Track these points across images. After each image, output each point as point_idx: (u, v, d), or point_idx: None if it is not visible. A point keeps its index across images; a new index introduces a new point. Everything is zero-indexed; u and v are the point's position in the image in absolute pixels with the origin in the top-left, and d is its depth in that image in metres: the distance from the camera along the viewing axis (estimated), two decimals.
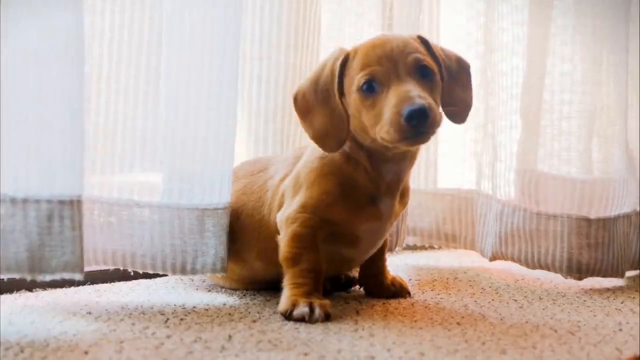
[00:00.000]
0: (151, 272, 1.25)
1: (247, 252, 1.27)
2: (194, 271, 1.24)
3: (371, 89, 1.12)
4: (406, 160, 1.20)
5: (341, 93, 1.16)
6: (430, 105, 1.07)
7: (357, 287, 1.37)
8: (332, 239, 1.20)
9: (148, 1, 1.24)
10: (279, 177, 1.25)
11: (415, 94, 1.07)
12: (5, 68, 1.03)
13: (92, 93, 1.24)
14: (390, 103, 1.08)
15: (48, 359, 0.91)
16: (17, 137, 1.04)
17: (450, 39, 1.73)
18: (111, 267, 1.25)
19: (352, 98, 1.14)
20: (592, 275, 1.49)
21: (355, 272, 1.38)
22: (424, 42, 1.19)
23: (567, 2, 1.54)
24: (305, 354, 0.95)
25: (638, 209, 1.60)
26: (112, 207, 1.22)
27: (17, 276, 1.06)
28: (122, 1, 1.24)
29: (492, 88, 1.60)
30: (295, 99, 1.20)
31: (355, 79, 1.13)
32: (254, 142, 1.47)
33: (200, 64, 1.21)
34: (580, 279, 1.49)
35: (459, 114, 1.22)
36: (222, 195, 1.24)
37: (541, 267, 1.51)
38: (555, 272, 1.50)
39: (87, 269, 1.33)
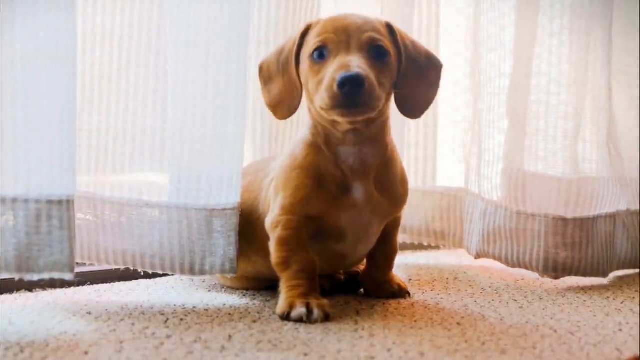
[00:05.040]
0: (160, 272, 1.25)
1: (249, 247, 1.27)
2: (202, 272, 1.24)
3: (321, 56, 1.14)
4: (365, 144, 1.19)
5: (298, 63, 1.19)
6: (367, 76, 1.08)
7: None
8: (319, 236, 1.20)
9: (156, 0, 1.25)
10: (270, 179, 1.26)
11: (355, 64, 1.09)
12: None
13: (102, 93, 1.25)
14: (330, 70, 1.10)
15: (48, 359, 0.91)
16: (7, 136, 1.04)
17: (450, 38, 1.73)
18: (122, 267, 1.26)
19: (304, 65, 1.16)
20: (569, 274, 1.49)
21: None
22: (390, 28, 1.20)
23: (554, 4, 1.54)
24: (305, 354, 0.95)
25: (632, 208, 1.60)
26: (123, 208, 1.23)
27: (5, 275, 1.06)
28: (131, 0, 1.24)
29: (481, 90, 1.59)
30: (261, 68, 1.24)
31: (309, 46, 1.16)
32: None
33: (207, 63, 1.21)
34: (556, 277, 1.50)
35: (414, 109, 1.23)
36: (230, 195, 1.24)
37: (520, 266, 1.52)
38: (533, 270, 1.51)
39: (87, 269, 1.35)
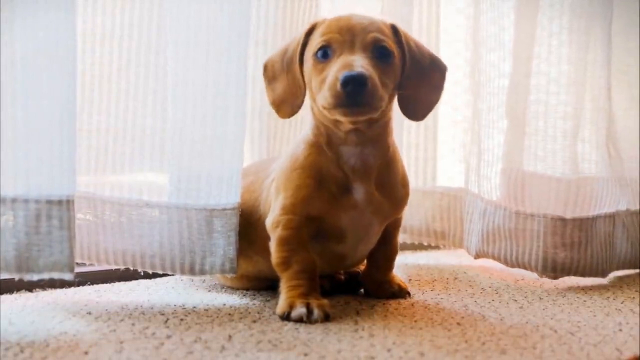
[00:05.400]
0: (160, 272, 1.26)
1: (250, 247, 1.27)
2: (202, 272, 1.24)
3: (325, 55, 1.14)
4: (367, 144, 1.19)
5: (302, 62, 1.19)
6: (370, 76, 1.08)
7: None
8: (319, 236, 1.20)
9: (156, 0, 1.25)
10: (271, 179, 1.26)
11: (358, 63, 1.09)
12: None
13: (102, 93, 1.25)
14: (333, 69, 1.11)
15: (48, 359, 0.91)
16: (7, 136, 1.04)
17: (450, 38, 1.73)
18: (122, 267, 1.26)
19: (308, 64, 1.17)
20: (568, 274, 1.49)
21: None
22: (394, 29, 1.20)
23: (554, 4, 1.54)
24: (305, 354, 0.95)
25: (632, 208, 1.60)
26: (122, 207, 1.23)
27: (4, 275, 1.06)
28: (131, 0, 1.24)
29: (481, 90, 1.59)
30: (266, 67, 1.24)
31: (313, 45, 1.16)
32: None
33: (207, 63, 1.22)
34: (555, 278, 1.50)
35: (417, 111, 1.23)
36: (230, 196, 1.24)
37: (519, 266, 1.52)
38: (532, 270, 1.51)
39: (87, 269, 1.35)
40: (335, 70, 1.10)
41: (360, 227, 1.21)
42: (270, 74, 1.23)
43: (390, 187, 1.23)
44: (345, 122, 1.15)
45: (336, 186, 1.19)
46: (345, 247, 1.23)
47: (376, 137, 1.20)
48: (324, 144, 1.19)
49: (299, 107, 1.20)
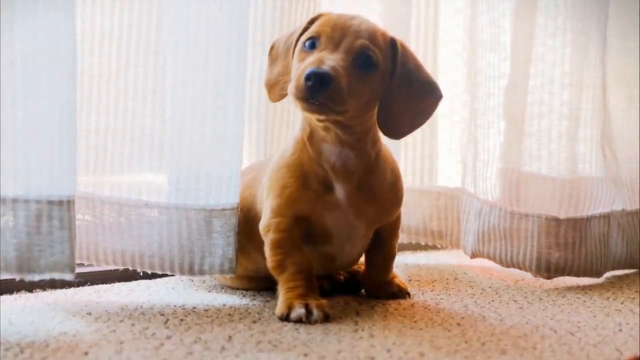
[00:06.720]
0: (160, 272, 1.26)
1: (248, 243, 1.27)
2: (202, 272, 1.24)
3: (312, 46, 1.14)
4: (345, 146, 1.17)
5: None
6: (336, 78, 1.07)
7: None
8: (308, 237, 1.20)
9: (155, 0, 1.25)
10: (266, 178, 1.25)
11: (330, 63, 1.08)
12: None
13: (101, 93, 1.25)
14: (307, 61, 1.10)
15: (48, 359, 0.91)
16: (7, 136, 1.04)
17: (450, 38, 1.73)
18: (121, 267, 1.26)
19: (297, 51, 1.16)
20: (562, 274, 1.50)
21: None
22: (392, 43, 1.17)
23: (552, 5, 1.54)
24: (305, 355, 0.95)
25: (627, 208, 1.61)
26: (122, 208, 1.24)
27: (5, 275, 1.07)
28: (130, 0, 1.24)
29: (478, 91, 1.59)
30: (272, 47, 1.25)
31: (306, 33, 1.16)
32: None
33: (206, 63, 1.22)
34: (549, 278, 1.50)
35: (395, 129, 1.20)
36: (229, 196, 1.24)
37: (513, 266, 1.52)
38: (526, 270, 1.51)
39: (87, 269, 1.34)
40: (308, 62, 1.09)
41: (344, 228, 1.21)
42: (274, 54, 1.24)
43: (375, 193, 1.21)
44: (309, 116, 1.15)
45: (318, 183, 1.18)
46: (333, 248, 1.23)
47: (354, 144, 1.18)
48: (307, 140, 1.19)
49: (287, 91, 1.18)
